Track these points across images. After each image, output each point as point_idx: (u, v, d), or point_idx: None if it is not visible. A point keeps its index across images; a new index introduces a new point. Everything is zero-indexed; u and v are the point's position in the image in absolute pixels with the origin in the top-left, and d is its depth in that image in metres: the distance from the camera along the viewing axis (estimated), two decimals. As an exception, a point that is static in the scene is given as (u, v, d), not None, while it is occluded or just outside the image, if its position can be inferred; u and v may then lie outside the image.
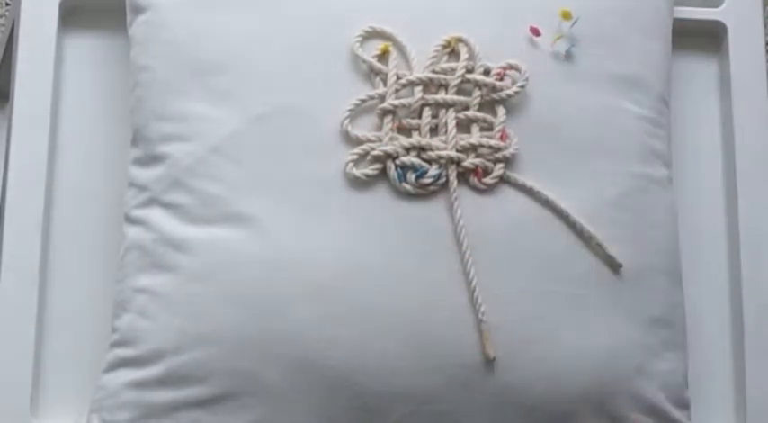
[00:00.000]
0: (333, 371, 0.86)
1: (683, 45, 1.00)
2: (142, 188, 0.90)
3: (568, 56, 0.93)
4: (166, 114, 0.90)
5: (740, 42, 1.04)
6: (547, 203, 0.90)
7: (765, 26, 1.05)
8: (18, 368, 0.91)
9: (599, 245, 0.90)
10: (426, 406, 0.87)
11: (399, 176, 0.89)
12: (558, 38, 0.93)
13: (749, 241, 0.99)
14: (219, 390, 0.86)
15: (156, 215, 0.89)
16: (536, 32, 0.93)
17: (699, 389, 0.98)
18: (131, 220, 0.90)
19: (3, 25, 1.45)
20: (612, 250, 0.90)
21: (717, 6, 1.05)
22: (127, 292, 0.89)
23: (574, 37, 0.93)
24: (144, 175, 0.90)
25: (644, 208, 0.93)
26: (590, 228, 0.90)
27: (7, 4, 1.51)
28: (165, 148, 0.90)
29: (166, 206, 0.89)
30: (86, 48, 0.99)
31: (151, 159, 0.90)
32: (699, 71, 0.99)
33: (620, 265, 0.90)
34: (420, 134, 0.90)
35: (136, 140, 0.92)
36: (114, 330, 0.89)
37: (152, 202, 0.90)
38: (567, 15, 0.93)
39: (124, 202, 0.91)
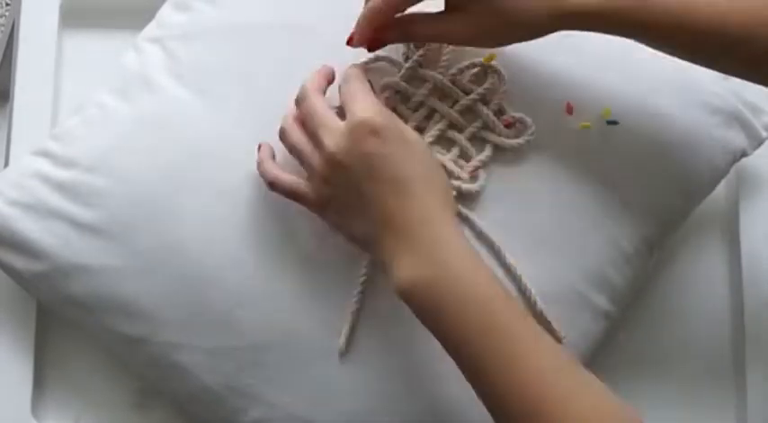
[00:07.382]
0: (199, 261, 0.87)
1: (683, 45, 1.00)
2: (160, 24, 0.93)
3: None
4: None
5: (740, 42, 1.04)
6: (492, 249, 0.88)
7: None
8: (19, 368, 0.91)
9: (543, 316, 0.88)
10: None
11: None
12: (585, 126, 0.90)
13: (749, 241, 0.99)
14: (99, 223, 0.88)
15: (154, 52, 0.91)
16: (570, 110, 0.90)
17: (699, 389, 0.98)
18: (136, 48, 0.93)
19: (3, 25, 1.45)
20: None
21: (717, 6, 1.05)
22: (90, 100, 0.92)
23: (603, 134, 0.90)
24: (172, 16, 0.93)
25: (559, 317, 0.89)
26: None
27: (7, 4, 1.51)
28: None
29: (166, 50, 0.91)
30: (86, 48, 0.99)
31: (182, 4, 0.93)
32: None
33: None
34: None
35: None
36: (60, 125, 0.92)
37: (159, 40, 0.92)
38: (607, 113, 0.90)
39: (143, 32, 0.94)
